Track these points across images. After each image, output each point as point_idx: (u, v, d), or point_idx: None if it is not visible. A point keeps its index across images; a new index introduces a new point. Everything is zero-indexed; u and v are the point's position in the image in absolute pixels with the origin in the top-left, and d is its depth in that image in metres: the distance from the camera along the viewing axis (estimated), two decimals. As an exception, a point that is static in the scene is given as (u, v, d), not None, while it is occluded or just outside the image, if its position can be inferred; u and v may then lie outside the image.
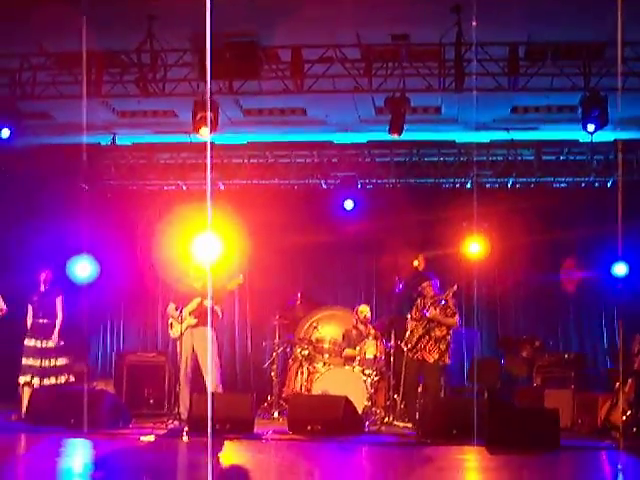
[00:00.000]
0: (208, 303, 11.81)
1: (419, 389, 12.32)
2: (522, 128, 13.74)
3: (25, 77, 12.12)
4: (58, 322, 12.38)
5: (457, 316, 12.41)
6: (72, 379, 12.41)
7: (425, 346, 12.22)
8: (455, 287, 12.29)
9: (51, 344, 12.27)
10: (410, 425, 11.84)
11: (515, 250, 14.48)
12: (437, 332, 12.22)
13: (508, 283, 14.77)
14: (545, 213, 14.57)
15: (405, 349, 12.30)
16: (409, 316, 12.52)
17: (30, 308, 12.39)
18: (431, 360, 12.17)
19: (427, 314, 12.18)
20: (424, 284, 12.45)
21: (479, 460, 9.47)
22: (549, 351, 13.89)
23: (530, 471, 8.69)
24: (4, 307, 12.17)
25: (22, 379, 12.15)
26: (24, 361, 12.20)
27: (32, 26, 10.64)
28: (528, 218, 14.38)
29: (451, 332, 12.36)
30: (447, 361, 12.30)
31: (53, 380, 12.18)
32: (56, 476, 7.88)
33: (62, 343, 12.40)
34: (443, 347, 12.21)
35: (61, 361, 12.31)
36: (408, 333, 12.39)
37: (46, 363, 12.16)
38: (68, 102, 12.32)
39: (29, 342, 12.25)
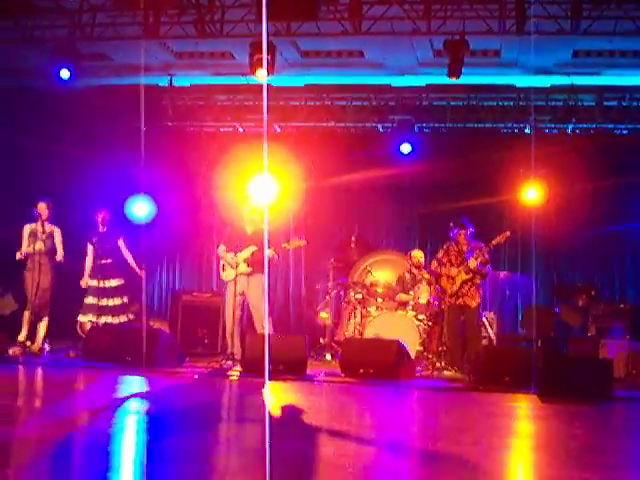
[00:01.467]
0: (265, 253, 11.80)
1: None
2: (583, 73, 13.48)
3: (85, 18, 12.17)
4: (130, 260, 12.63)
5: (489, 266, 12.38)
6: (131, 317, 12.61)
7: (468, 291, 12.22)
8: (508, 233, 12.17)
9: (114, 283, 12.50)
10: (458, 373, 11.82)
11: (573, 197, 14.28)
12: (477, 279, 12.23)
13: (565, 230, 14.60)
14: (605, 160, 14.32)
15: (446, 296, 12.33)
16: (437, 261, 12.47)
17: (90, 248, 12.59)
18: (473, 305, 12.19)
19: (468, 262, 12.14)
20: (461, 232, 12.35)
21: (530, 408, 9.45)
22: (605, 301, 13.75)
23: (582, 421, 8.64)
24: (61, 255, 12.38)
25: (81, 317, 12.41)
26: (85, 300, 12.46)
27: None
28: (587, 165, 14.14)
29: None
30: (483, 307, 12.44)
31: (110, 319, 12.39)
32: (111, 412, 8.01)
33: (123, 282, 12.61)
34: (481, 293, 12.32)
35: (118, 300, 12.52)
36: (445, 280, 12.35)
37: (104, 302, 12.38)
38: (126, 43, 12.39)
39: (91, 282, 12.49)
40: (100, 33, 12.29)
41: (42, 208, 12.24)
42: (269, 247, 12.14)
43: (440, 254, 12.54)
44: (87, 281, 12.57)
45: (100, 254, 12.55)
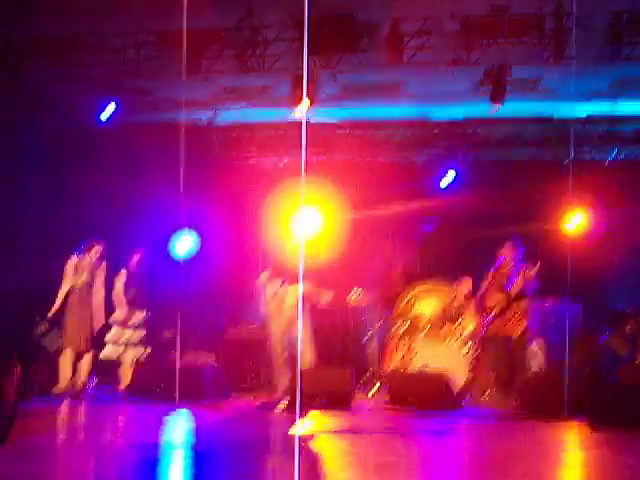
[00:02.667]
0: (299, 288, 11.81)
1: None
2: (624, 100, 13.44)
3: (129, 55, 12.35)
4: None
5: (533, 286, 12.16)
6: (148, 350, 12.59)
7: (511, 319, 12.08)
8: (537, 266, 12.00)
9: (140, 316, 12.52)
10: (506, 402, 11.71)
11: (616, 225, 14.20)
12: (521, 305, 12.06)
13: (610, 257, 14.50)
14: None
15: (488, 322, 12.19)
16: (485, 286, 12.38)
17: (123, 274, 12.63)
18: (517, 333, 12.02)
19: (509, 289, 12.01)
20: (509, 249, 12.22)
21: (581, 437, 9.37)
22: (653, 327, 13.63)
23: (633, 449, 8.54)
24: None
25: (108, 349, 12.42)
26: (113, 331, 12.48)
27: (135, 4, 10.86)
28: (630, 192, 14.08)
29: (532, 306, 12.19)
30: (528, 336, 12.14)
31: (137, 351, 12.39)
32: (157, 446, 8.04)
33: (145, 315, 12.64)
34: (526, 322, 12.08)
35: (141, 332, 12.53)
36: (486, 308, 12.27)
37: (129, 335, 12.39)
38: (170, 79, 12.53)
39: (117, 316, 12.54)
40: (144, 69, 12.44)
41: (96, 251, 12.35)
42: (329, 292, 12.15)
43: (485, 285, 12.43)
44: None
45: (130, 288, 12.60)
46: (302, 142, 12.73)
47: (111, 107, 12.57)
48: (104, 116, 12.62)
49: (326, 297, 12.21)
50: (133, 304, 12.54)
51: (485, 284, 12.39)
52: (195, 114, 14.05)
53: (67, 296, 12.34)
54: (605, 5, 10.66)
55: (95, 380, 12.30)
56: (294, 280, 12.07)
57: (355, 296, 12.34)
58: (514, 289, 11.99)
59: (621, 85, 12.82)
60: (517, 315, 12.07)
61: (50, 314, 12.29)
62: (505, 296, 12.06)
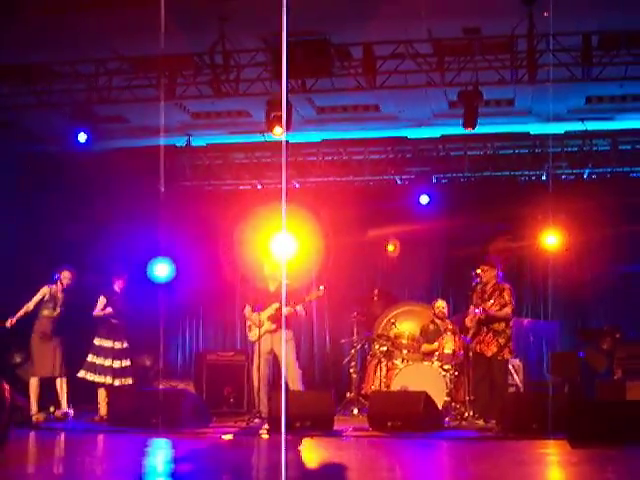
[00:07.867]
0: (283, 310, 11.86)
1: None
2: (597, 118, 13.58)
3: (101, 82, 12.36)
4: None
5: (509, 307, 11.98)
6: (131, 380, 12.46)
7: (483, 339, 12.01)
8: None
9: (125, 345, 12.42)
10: (482, 422, 11.69)
11: (592, 241, 14.28)
12: (496, 325, 12.00)
13: (586, 275, 14.56)
14: (622, 203, 14.33)
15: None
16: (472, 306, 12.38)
17: (102, 302, 12.48)
18: (489, 354, 11.89)
19: (478, 312, 11.96)
20: (486, 270, 12.21)
21: (561, 454, 9.37)
22: (630, 342, 13.66)
23: (614, 465, 8.55)
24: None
25: (88, 375, 12.23)
26: (93, 358, 12.28)
27: (107, 31, 10.88)
28: (605, 209, 14.16)
29: (511, 325, 12.11)
30: (507, 356, 11.97)
31: (124, 381, 12.29)
32: (139, 476, 7.97)
33: (127, 346, 12.56)
34: (502, 341, 11.88)
35: (125, 362, 12.43)
36: (467, 325, 12.27)
37: (116, 364, 12.26)
38: (143, 105, 12.55)
39: (103, 342, 12.38)
40: (117, 96, 12.44)
41: (67, 276, 12.25)
42: (297, 304, 12.17)
43: (473, 300, 12.41)
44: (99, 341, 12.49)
45: (115, 314, 12.46)
46: (281, 165, 12.82)
47: (82, 137, 12.53)
48: (78, 141, 12.55)
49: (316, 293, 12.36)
50: (114, 331, 12.41)
51: (473, 301, 12.32)
52: (169, 140, 14.06)
53: (40, 323, 12.22)
54: (575, 26, 10.76)
55: (72, 410, 12.15)
56: (266, 304, 12.17)
57: (315, 293, 12.39)
58: (491, 308, 11.96)
59: (593, 104, 12.97)
60: (490, 334, 12.01)
61: (9, 323, 12.07)
62: (482, 315, 12.01)
